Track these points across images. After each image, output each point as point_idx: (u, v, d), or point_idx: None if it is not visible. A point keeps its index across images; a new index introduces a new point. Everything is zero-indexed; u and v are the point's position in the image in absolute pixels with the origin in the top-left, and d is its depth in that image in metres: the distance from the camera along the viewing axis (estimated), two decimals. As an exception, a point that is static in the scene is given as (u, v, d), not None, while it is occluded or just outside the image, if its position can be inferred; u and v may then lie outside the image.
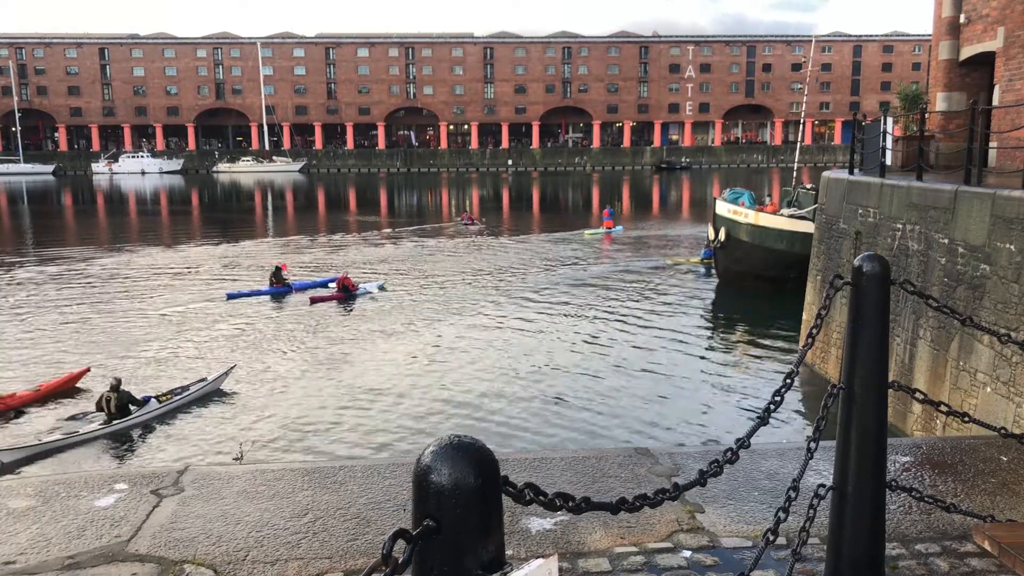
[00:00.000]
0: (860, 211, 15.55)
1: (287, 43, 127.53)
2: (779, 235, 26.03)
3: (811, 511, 2.93)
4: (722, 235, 27.05)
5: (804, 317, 19.12)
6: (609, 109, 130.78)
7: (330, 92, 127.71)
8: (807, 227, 23.59)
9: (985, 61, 17.37)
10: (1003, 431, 3.79)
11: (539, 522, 3.92)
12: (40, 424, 14.99)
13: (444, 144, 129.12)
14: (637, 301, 25.35)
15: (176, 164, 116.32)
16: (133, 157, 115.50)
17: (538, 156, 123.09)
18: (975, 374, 10.98)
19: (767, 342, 20.56)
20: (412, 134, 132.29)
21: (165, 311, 24.17)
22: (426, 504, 1.80)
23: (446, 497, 1.78)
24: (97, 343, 20.63)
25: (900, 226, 13.71)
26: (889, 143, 16.94)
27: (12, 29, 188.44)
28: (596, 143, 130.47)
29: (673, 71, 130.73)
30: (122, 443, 14.35)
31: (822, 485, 3.04)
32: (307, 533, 3.81)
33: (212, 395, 16.32)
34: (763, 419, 2.86)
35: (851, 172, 17.62)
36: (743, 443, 2.82)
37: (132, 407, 14.79)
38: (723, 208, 27.61)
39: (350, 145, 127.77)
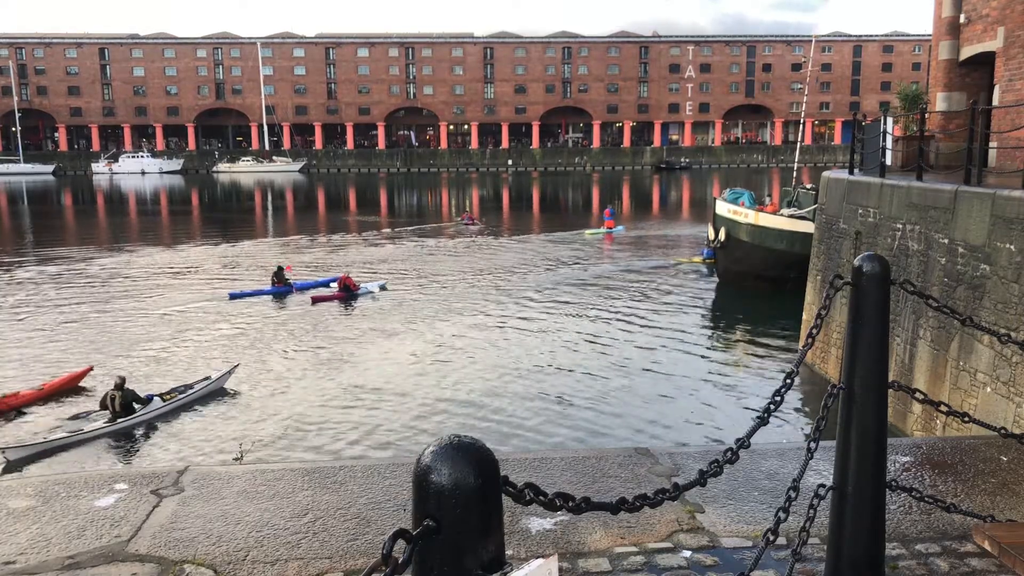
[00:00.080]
0: (860, 211, 15.55)
1: (287, 43, 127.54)
2: (779, 235, 26.03)
3: (811, 511, 2.93)
4: (722, 235, 27.05)
5: (804, 317, 19.12)
6: (609, 109, 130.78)
7: (330, 92, 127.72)
8: (807, 227, 23.59)
9: (985, 61, 17.36)
10: (1003, 431, 3.79)
11: (539, 522, 3.92)
12: (44, 423, 15.02)
13: (444, 144, 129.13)
14: (637, 301, 25.35)
15: (176, 164, 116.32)
16: (133, 157, 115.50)
17: (538, 156, 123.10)
18: (975, 374, 10.98)
19: (767, 342, 20.56)
20: (412, 134, 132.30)
21: (167, 311, 24.19)
22: (426, 504, 1.80)
23: (446, 497, 1.78)
24: (99, 342, 20.64)
25: (900, 226, 13.71)
26: (889, 143, 16.94)
27: (12, 29, 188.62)
28: (596, 143, 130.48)
29: (673, 71, 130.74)
30: (126, 441, 14.40)
31: (822, 485, 3.04)
32: (307, 533, 3.81)
33: (215, 394, 16.36)
34: (763, 419, 2.86)
35: (851, 172, 17.62)
36: (743, 443, 2.82)
37: (136, 405, 14.84)
38: (723, 208, 27.61)
39: (350, 145, 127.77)
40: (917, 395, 3.40)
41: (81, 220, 60.17)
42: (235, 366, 17.34)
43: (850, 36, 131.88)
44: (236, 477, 4.45)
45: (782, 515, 2.78)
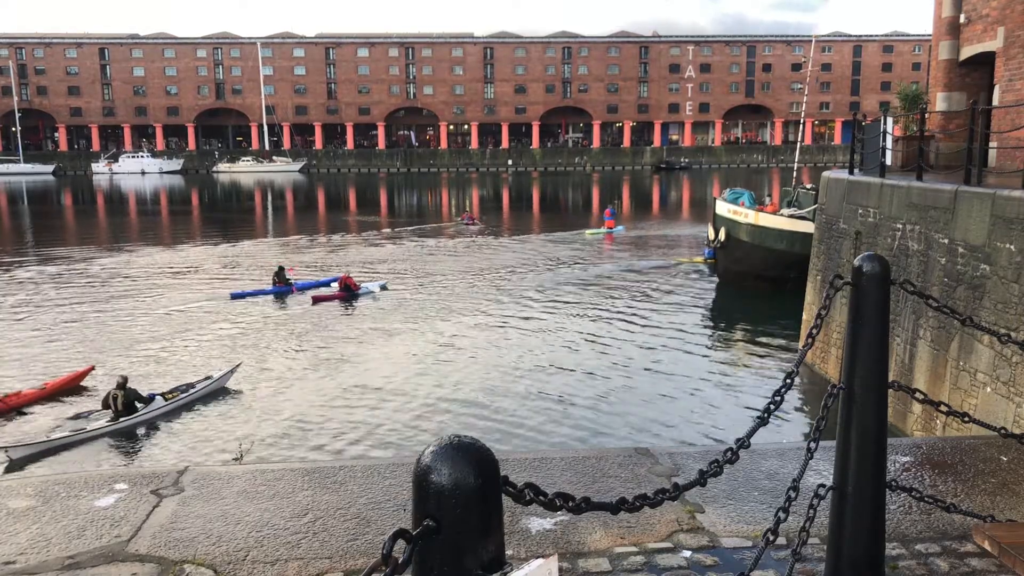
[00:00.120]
0: (860, 211, 15.55)
1: (287, 43, 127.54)
2: (779, 235, 26.03)
3: (811, 511, 2.93)
4: (722, 235, 27.05)
5: (804, 317, 19.12)
6: (609, 109, 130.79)
7: (330, 92, 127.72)
8: (807, 227, 23.59)
9: (985, 61, 17.36)
10: (1003, 431, 3.79)
11: (539, 522, 3.92)
12: (46, 422, 15.06)
13: (444, 144, 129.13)
14: (637, 301, 25.36)
15: (176, 164, 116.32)
16: (133, 157, 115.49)
17: (538, 156, 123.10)
18: (975, 374, 10.98)
19: (767, 342, 20.56)
20: (412, 134, 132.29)
21: (168, 310, 24.23)
22: (426, 504, 1.80)
23: (446, 497, 1.78)
24: (100, 342, 20.66)
25: (900, 226, 13.71)
26: (889, 143, 16.94)
27: (12, 29, 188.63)
28: (596, 143, 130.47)
29: (673, 71, 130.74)
30: (128, 441, 14.44)
31: (822, 485, 3.04)
32: (307, 533, 3.81)
33: (217, 393, 16.39)
34: (763, 419, 2.86)
35: (851, 172, 17.62)
36: (743, 443, 2.82)
37: (138, 405, 14.88)
38: (723, 208, 27.61)
39: (350, 145, 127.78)
40: (917, 395, 3.40)
41: (81, 220, 60.17)
42: (237, 365, 17.36)
43: (850, 36, 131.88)
44: (236, 477, 4.45)
45: (782, 515, 2.78)
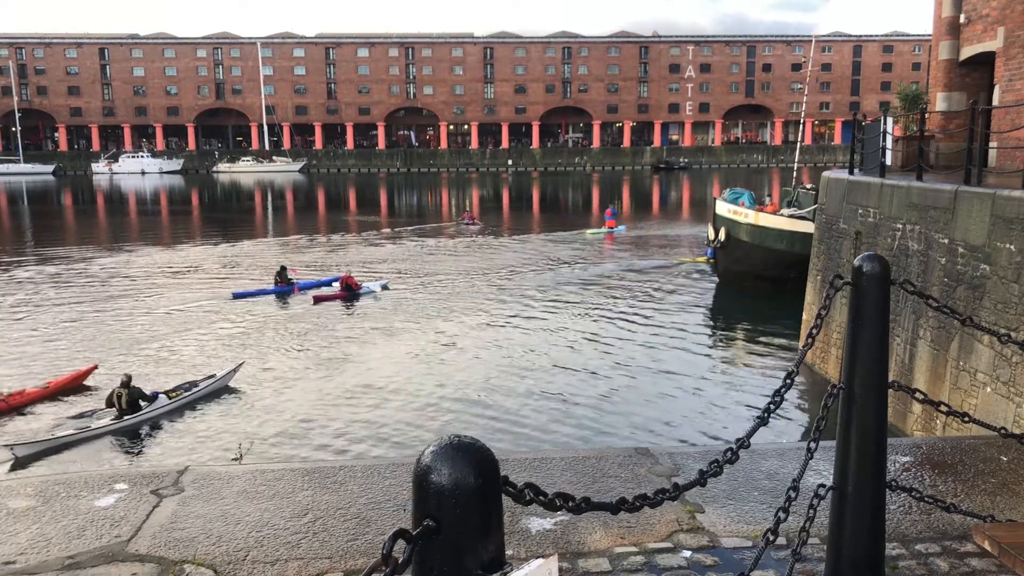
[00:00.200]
0: (860, 211, 15.55)
1: (287, 43, 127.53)
2: (779, 235, 26.03)
3: (811, 511, 2.93)
4: (722, 235, 27.05)
5: (804, 317, 19.12)
6: (609, 109, 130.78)
7: (330, 92, 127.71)
8: (807, 227, 23.59)
9: (985, 61, 17.36)
10: (1003, 431, 3.79)
11: (539, 522, 3.92)
12: (50, 420, 15.10)
13: (444, 144, 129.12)
14: (638, 300, 25.36)
15: (176, 164, 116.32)
16: (133, 157, 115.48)
17: (538, 156, 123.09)
18: (975, 374, 10.98)
19: (767, 342, 20.56)
20: (412, 134, 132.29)
21: (169, 310, 24.26)
22: (426, 504, 1.80)
23: (446, 497, 1.78)
24: (103, 341, 20.68)
25: (900, 226, 13.71)
26: (889, 143, 16.94)
27: (12, 29, 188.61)
28: (596, 143, 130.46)
29: (673, 71, 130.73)
30: (132, 439, 14.48)
31: (822, 485, 3.04)
32: (307, 533, 3.81)
33: (220, 392, 16.43)
34: (763, 419, 2.86)
35: (851, 172, 17.62)
36: (743, 443, 2.82)
37: (142, 403, 14.92)
38: (723, 208, 27.60)
39: (350, 145, 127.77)
40: (917, 395, 3.40)
41: (81, 220, 60.17)
42: (240, 364, 17.40)
43: (850, 36, 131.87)
44: (236, 477, 4.45)
45: (782, 515, 2.78)
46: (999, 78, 16.39)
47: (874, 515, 3.00)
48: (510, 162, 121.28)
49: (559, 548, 3.67)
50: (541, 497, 2.12)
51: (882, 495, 3.01)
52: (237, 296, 26.15)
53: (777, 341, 20.40)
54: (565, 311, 23.87)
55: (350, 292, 25.84)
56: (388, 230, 47.29)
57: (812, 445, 2.97)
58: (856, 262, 3.02)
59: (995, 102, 16.27)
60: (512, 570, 1.85)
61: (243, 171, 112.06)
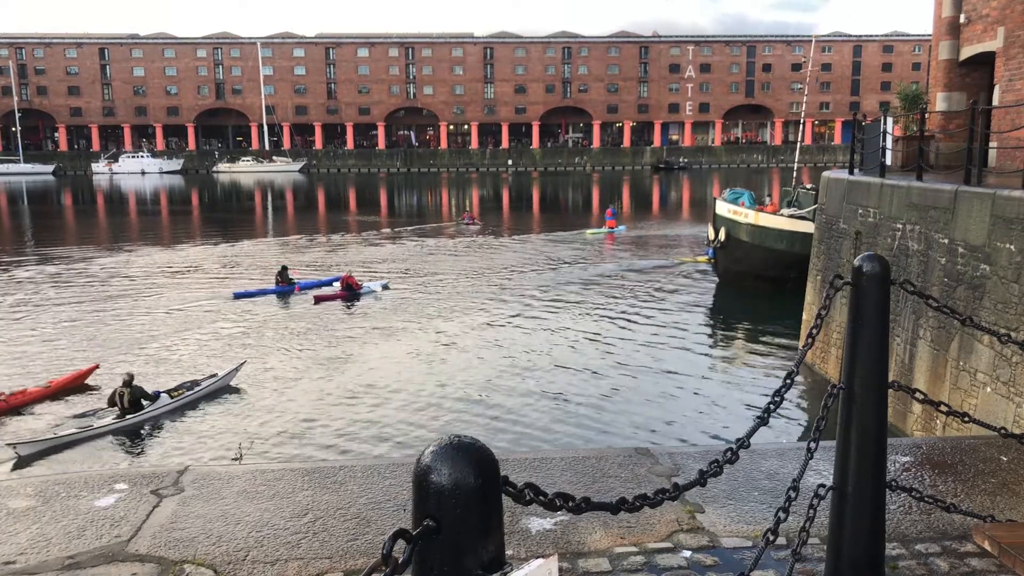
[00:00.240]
0: (860, 211, 15.55)
1: (287, 43, 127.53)
2: (779, 235, 26.03)
3: (811, 511, 2.93)
4: (722, 235, 27.05)
5: (804, 317, 19.12)
6: (609, 109, 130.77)
7: (330, 92, 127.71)
8: (807, 227, 23.59)
9: (985, 61, 17.36)
10: (1003, 431, 3.79)
11: (539, 522, 3.92)
12: (52, 420, 15.13)
13: (444, 144, 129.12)
14: (638, 301, 25.36)
15: (176, 164, 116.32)
16: (133, 157, 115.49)
17: (538, 156, 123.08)
18: (975, 374, 10.98)
19: (767, 342, 20.56)
20: (412, 134, 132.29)
21: (170, 310, 24.27)
22: (426, 504, 1.80)
23: (446, 497, 1.78)
24: (104, 341, 20.69)
25: (900, 226, 13.71)
26: (889, 143, 16.94)
27: (12, 29, 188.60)
28: (596, 143, 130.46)
29: (673, 71, 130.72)
30: (134, 438, 14.50)
31: (822, 485, 3.04)
32: (307, 533, 3.81)
33: (221, 391, 16.46)
34: (763, 419, 2.86)
35: (851, 172, 17.62)
36: (743, 443, 2.82)
37: (144, 402, 14.94)
38: (723, 208, 27.60)
39: (350, 145, 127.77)
40: (917, 395, 3.40)
41: (81, 220, 60.17)
42: (242, 363, 17.42)
43: (850, 36, 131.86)
44: (236, 477, 4.45)
45: (782, 515, 2.78)
46: (999, 78, 16.39)
47: (874, 515, 3.00)
48: (510, 162, 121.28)
49: (559, 548, 3.67)
50: (541, 497, 2.12)
51: (882, 495, 3.01)
52: (238, 296, 26.18)
53: (777, 341, 20.40)
54: (565, 311, 23.87)
55: (351, 292, 25.87)
56: (388, 230, 47.29)
57: (812, 445, 2.97)
58: (856, 262, 3.02)
59: (995, 102, 16.27)
60: (512, 570, 1.85)
61: (243, 171, 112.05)
